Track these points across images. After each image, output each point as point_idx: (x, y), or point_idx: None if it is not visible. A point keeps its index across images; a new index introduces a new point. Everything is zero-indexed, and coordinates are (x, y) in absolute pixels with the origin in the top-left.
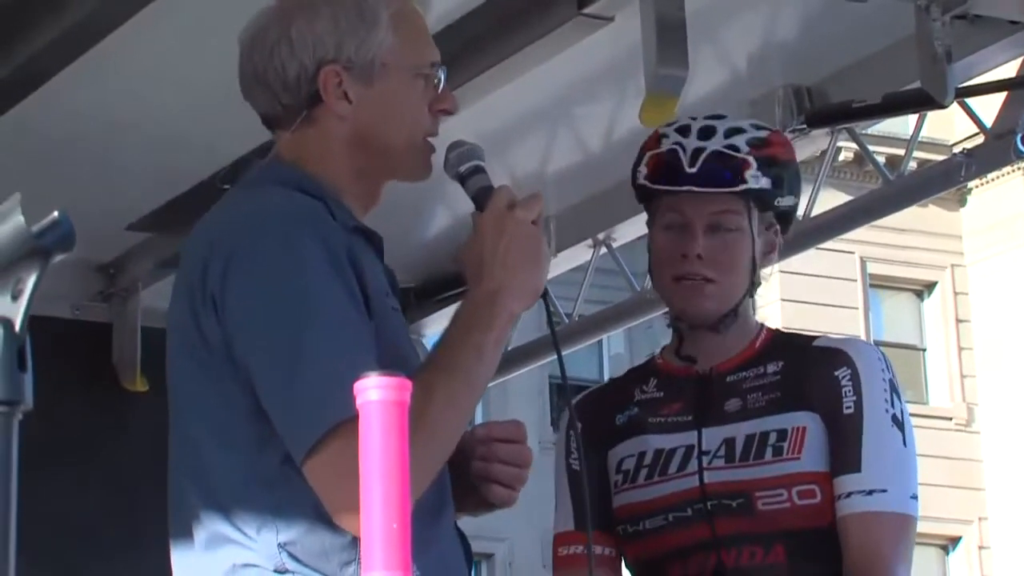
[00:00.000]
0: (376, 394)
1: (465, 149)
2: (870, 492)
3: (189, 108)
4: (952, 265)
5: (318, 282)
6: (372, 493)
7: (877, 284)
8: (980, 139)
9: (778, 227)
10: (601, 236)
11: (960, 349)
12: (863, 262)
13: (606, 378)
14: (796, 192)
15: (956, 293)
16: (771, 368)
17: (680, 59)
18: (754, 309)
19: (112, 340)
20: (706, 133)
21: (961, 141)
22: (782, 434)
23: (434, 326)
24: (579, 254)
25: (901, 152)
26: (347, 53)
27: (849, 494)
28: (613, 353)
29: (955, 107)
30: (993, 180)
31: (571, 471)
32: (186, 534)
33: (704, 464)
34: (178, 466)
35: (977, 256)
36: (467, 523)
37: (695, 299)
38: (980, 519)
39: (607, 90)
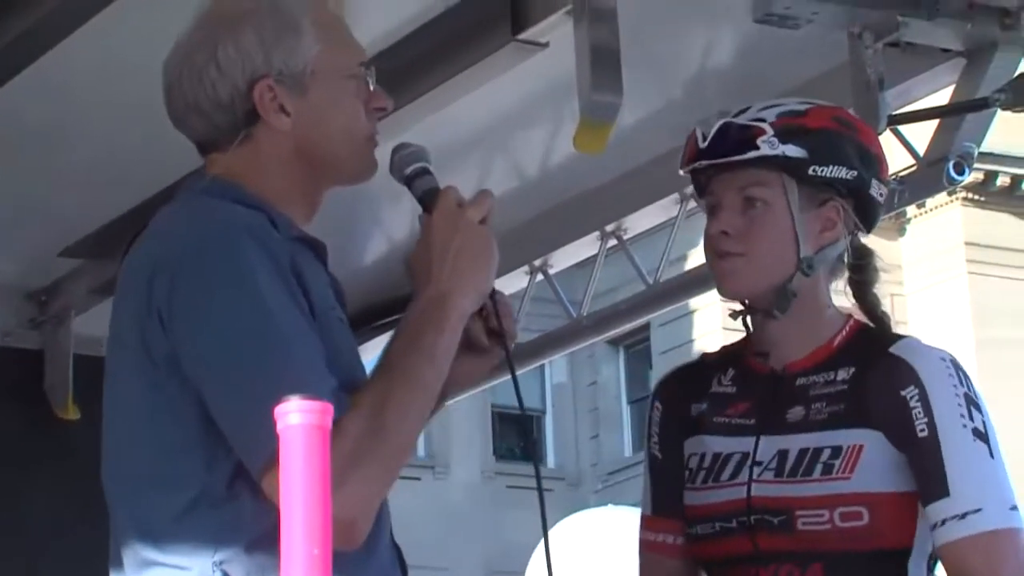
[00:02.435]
0: (297, 418)
1: (411, 151)
2: (963, 516)
3: (123, 130)
4: (892, 295)
5: (266, 293)
6: (293, 518)
7: None
8: (913, 168)
9: (841, 204)
10: (538, 263)
11: None
12: None
13: (548, 407)
14: (849, 163)
15: (896, 323)
16: (842, 375)
17: (615, 85)
18: (828, 296)
19: (44, 367)
20: (740, 112)
21: (894, 174)
22: (836, 451)
23: (370, 353)
24: (516, 281)
25: None
26: (277, 65)
27: (944, 521)
28: (556, 382)
29: (887, 138)
30: (931, 210)
31: (651, 455)
32: (118, 559)
33: (754, 476)
34: (114, 490)
35: (916, 286)
36: (408, 554)
37: (728, 274)
38: None
39: (543, 115)
